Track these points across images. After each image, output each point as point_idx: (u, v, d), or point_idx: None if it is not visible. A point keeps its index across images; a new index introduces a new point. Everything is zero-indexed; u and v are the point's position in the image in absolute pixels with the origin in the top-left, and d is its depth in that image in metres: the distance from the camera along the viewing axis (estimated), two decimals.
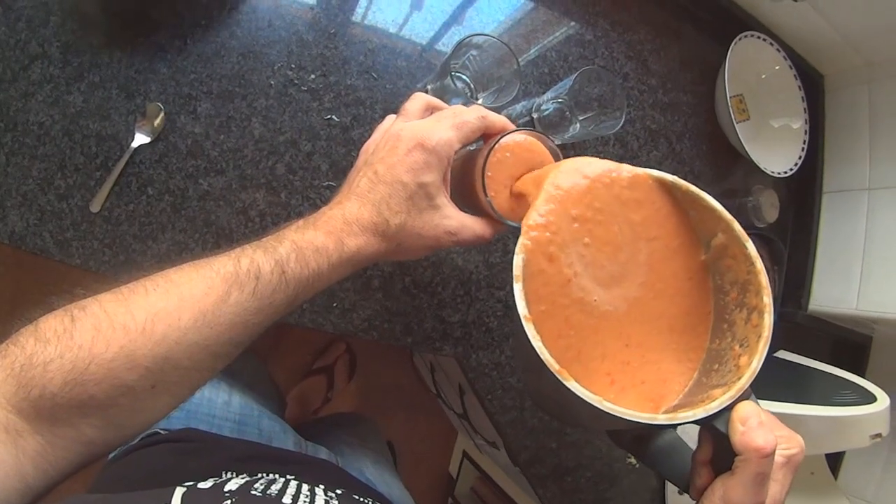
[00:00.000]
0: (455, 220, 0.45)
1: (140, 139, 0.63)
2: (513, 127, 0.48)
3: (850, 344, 0.99)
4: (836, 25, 0.87)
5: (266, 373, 0.84)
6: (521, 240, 0.43)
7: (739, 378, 0.42)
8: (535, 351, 0.39)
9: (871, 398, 0.77)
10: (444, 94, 0.65)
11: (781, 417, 0.74)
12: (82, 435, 0.35)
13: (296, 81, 0.66)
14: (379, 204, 0.42)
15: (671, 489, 0.85)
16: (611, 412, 0.39)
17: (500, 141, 0.47)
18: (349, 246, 0.41)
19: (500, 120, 0.47)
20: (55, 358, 0.33)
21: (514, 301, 0.41)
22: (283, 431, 0.70)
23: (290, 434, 0.70)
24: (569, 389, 0.38)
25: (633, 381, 0.48)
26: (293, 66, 0.66)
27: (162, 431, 0.60)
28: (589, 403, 0.38)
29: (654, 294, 0.50)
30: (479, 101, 0.68)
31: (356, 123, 0.67)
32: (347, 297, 0.66)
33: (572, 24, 0.79)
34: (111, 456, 0.61)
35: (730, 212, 0.50)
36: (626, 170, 0.48)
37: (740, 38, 0.85)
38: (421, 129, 0.44)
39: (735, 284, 0.49)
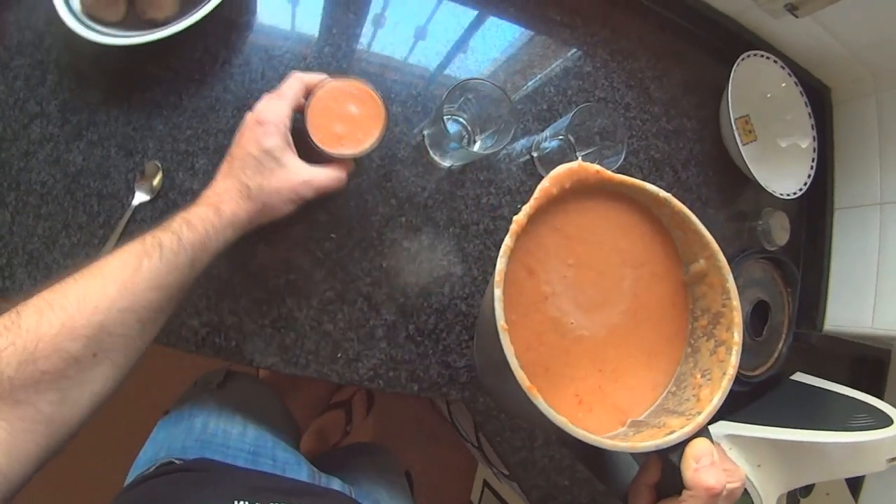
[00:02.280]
0: (305, 172, 0.55)
1: (140, 197, 0.63)
2: (329, 79, 0.58)
3: (869, 361, 0.97)
4: (841, 38, 0.85)
5: (281, 406, 0.85)
6: (506, 240, 0.43)
7: (699, 413, 0.42)
8: (506, 362, 0.39)
9: (887, 421, 0.75)
10: (442, 140, 0.64)
11: (793, 445, 0.74)
12: (40, 413, 0.39)
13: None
14: (238, 174, 0.53)
15: None
16: (578, 437, 0.39)
17: (314, 95, 0.57)
18: (225, 211, 0.51)
19: (316, 76, 0.58)
20: (8, 346, 0.38)
21: (489, 301, 0.42)
22: (297, 462, 0.70)
23: (304, 465, 0.70)
24: (535, 406, 0.39)
25: (604, 403, 0.48)
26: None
27: (177, 461, 0.61)
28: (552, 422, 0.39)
29: (636, 322, 0.50)
30: (477, 146, 0.67)
31: (354, 174, 0.67)
32: (352, 347, 0.65)
33: (569, 55, 0.78)
34: (126, 484, 0.62)
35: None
36: (620, 178, 0.47)
37: (744, 58, 0.83)
38: (257, 109, 0.55)
39: (706, 312, 0.49)
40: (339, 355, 0.65)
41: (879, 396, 0.94)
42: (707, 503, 0.38)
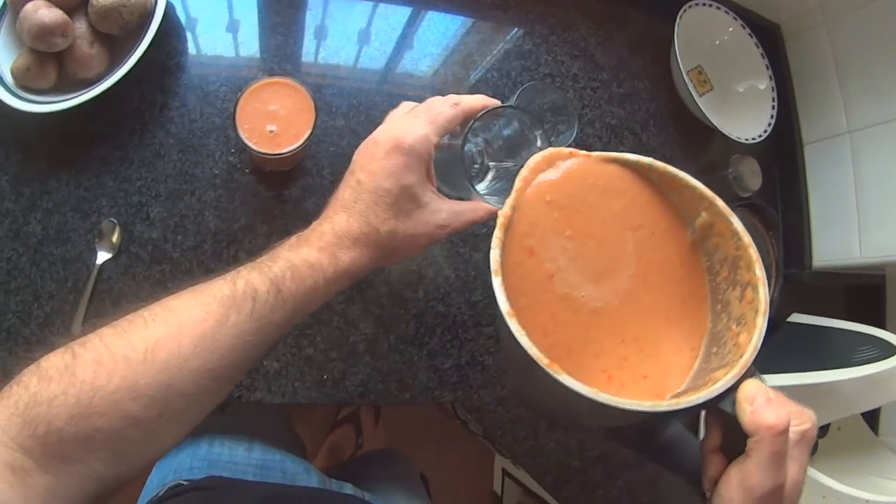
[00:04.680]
0: (444, 213, 0.45)
1: (102, 256, 0.63)
2: (493, 104, 0.47)
3: (865, 289, 0.95)
4: None
5: (286, 424, 0.84)
6: (495, 233, 0.41)
7: (741, 356, 0.40)
8: (521, 348, 0.37)
9: (891, 350, 0.74)
10: (453, 172, 0.62)
11: (802, 389, 0.73)
12: (91, 470, 0.34)
13: (238, 165, 0.66)
14: (366, 213, 0.42)
15: None
16: (608, 403, 0.37)
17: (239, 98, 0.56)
18: (343, 260, 0.41)
19: (476, 100, 0.46)
20: (59, 394, 0.33)
21: (494, 298, 0.40)
22: (307, 472, 0.69)
23: (313, 474, 0.70)
24: (562, 384, 0.37)
25: (634, 376, 0.46)
26: (233, 150, 0.66)
27: (185, 482, 0.59)
28: (585, 397, 0.36)
29: (646, 286, 0.48)
30: (490, 175, 0.65)
31: (307, 194, 0.66)
32: (336, 367, 0.65)
33: (508, 37, 0.77)
34: None
35: (711, 188, 0.48)
36: (598, 155, 0.46)
37: (686, 9, 0.82)
38: (396, 129, 0.43)
39: (725, 262, 0.47)
40: (325, 377, 0.65)
41: (881, 325, 0.93)
42: (775, 445, 0.33)
